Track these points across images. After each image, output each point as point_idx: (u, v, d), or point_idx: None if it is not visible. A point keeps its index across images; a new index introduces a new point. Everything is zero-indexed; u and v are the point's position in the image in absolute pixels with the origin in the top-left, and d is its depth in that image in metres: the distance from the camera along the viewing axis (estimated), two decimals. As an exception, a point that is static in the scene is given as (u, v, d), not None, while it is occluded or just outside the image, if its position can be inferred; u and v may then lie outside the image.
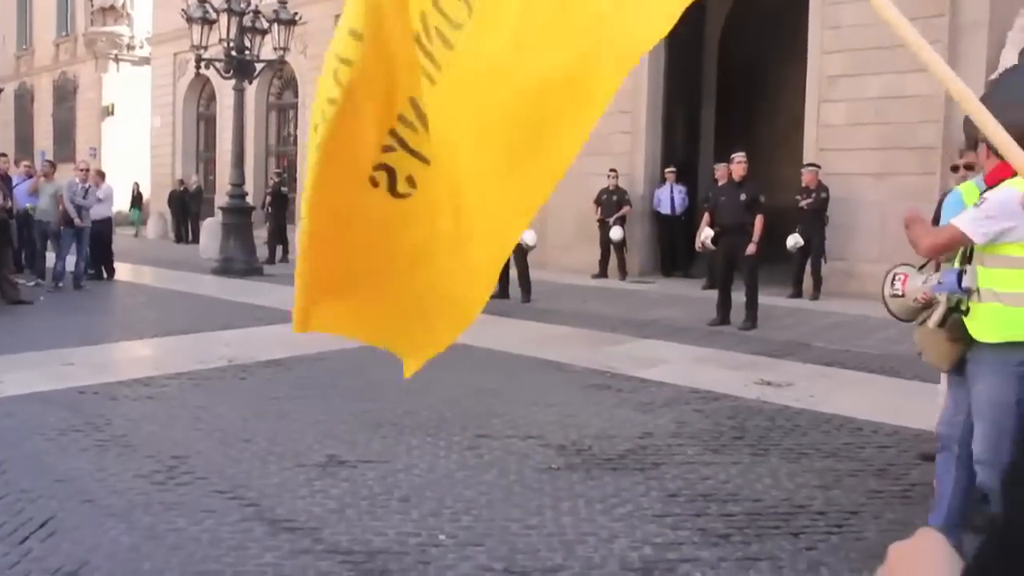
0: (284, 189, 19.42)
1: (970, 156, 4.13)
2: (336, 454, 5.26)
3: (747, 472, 5.04)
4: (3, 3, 38.12)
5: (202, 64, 16.23)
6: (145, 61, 31.48)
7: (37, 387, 6.80)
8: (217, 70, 16.60)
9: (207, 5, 16.11)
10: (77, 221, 13.48)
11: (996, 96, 9.09)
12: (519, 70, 2.13)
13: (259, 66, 16.88)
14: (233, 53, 16.21)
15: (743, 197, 10.10)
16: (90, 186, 13.86)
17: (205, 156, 28.41)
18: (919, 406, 5.96)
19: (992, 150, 3.57)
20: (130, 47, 33.01)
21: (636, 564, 3.80)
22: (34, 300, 12.06)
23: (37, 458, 5.14)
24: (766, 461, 5.25)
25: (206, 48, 16.16)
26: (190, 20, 16.15)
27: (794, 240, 12.57)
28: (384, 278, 2.41)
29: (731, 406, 6.56)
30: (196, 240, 22.58)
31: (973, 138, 3.92)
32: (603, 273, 15.51)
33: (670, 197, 15.80)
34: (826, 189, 12.68)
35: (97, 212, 14.37)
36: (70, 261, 13.54)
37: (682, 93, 17.29)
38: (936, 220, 4.34)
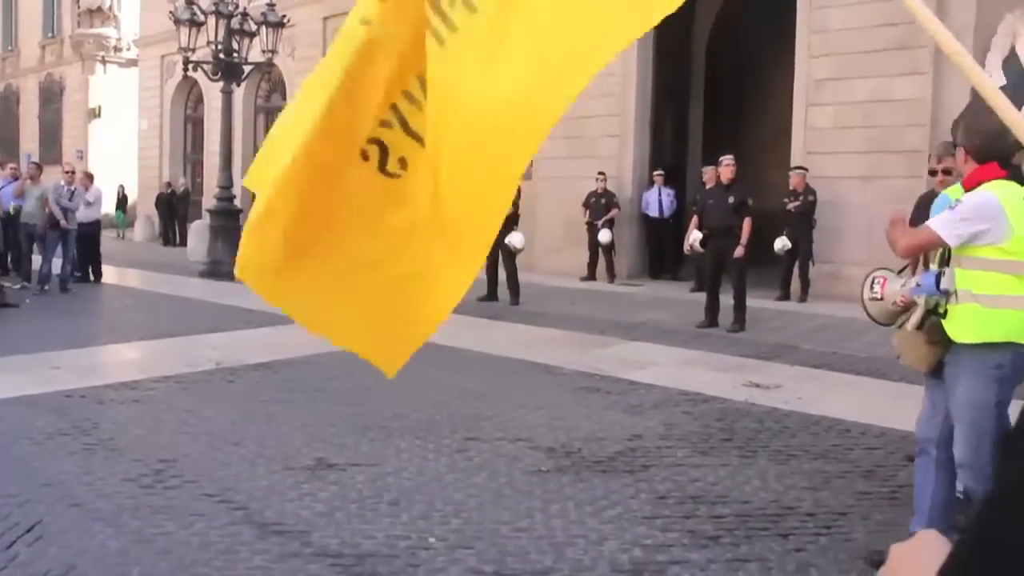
0: (272, 192, 19.30)
1: (948, 160, 4.15)
2: (325, 457, 5.25)
3: (736, 474, 5.05)
4: (-12, 5, 37.96)
5: (190, 66, 16.18)
6: (132, 63, 31.36)
7: (24, 391, 6.75)
8: (205, 72, 16.56)
9: (195, 7, 16.08)
10: (63, 223, 13.42)
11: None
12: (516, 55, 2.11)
13: (247, 68, 16.85)
14: (221, 55, 16.17)
15: (731, 200, 10.14)
16: (75, 188, 13.79)
17: (193, 158, 28.30)
18: (906, 408, 5.96)
19: (970, 153, 3.60)
20: (117, 49, 32.88)
21: (626, 566, 3.81)
22: (20, 303, 11.99)
23: (24, 462, 5.10)
24: (755, 463, 5.27)
25: (194, 50, 16.12)
26: (178, 22, 16.11)
27: (782, 243, 12.61)
28: (357, 262, 2.38)
29: (720, 408, 6.57)
30: (183, 243, 22.50)
31: (951, 143, 3.94)
32: (591, 276, 15.53)
33: (658, 200, 15.84)
34: (813, 192, 12.74)
35: (86, 215, 14.33)
36: (56, 264, 13.47)
37: (670, 96, 17.34)
38: (913, 222, 4.36)
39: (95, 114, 32.67)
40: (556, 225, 16.45)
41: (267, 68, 17.87)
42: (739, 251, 10.01)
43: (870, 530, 4.26)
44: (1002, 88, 4.56)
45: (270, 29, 16.53)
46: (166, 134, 28.42)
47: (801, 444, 5.69)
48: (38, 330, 9.93)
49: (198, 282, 15.26)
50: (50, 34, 35.39)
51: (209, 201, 19.14)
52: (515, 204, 12.32)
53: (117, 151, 30.68)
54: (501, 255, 12.29)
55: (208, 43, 16.16)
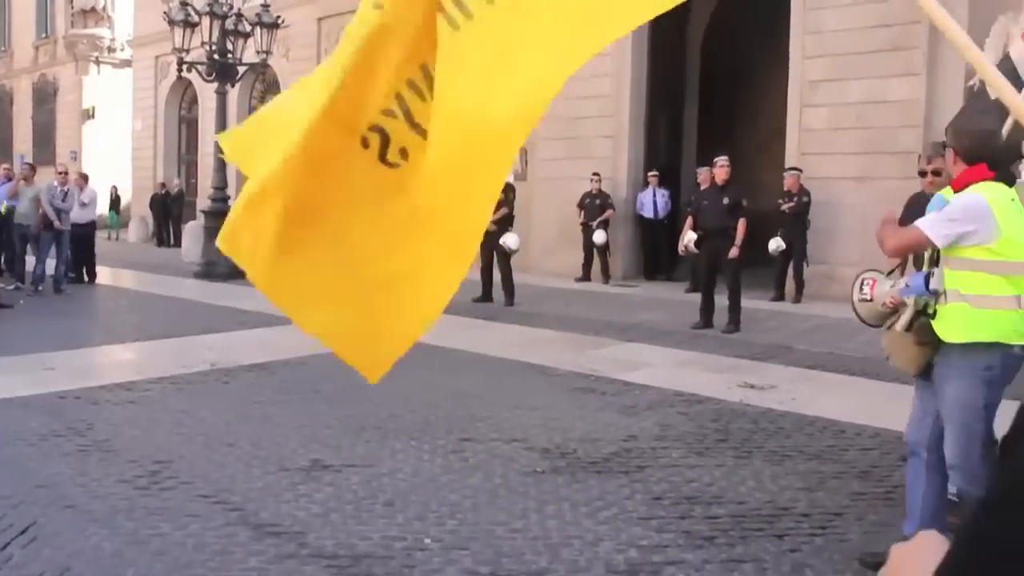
0: (267, 193, 19.29)
1: (938, 162, 4.17)
2: (320, 458, 5.24)
3: (731, 475, 5.06)
4: (-18, 5, 37.85)
5: (184, 67, 16.15)
6: (126, 64, 31.28)
7: (17, 392, 6.74)
8: (199, 73, 16.53)
9: (189, 8, 16.05)
10: (56, 224, 13.39)
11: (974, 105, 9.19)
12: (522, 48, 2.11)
13: (241, 69, 16.83)
14: (215, 56, 16.15)
15: (726, 201, 10.15)
16: (69, 189, 13.77)
17: (187, 159, 28.25)
18: (901, 408, 5.95)
19: (959, 155, 3.61)
20: (111, 49, 32.80)
21: (621, 567, 3.81)
22: (14, 304, 11.96)
23: (18, 463, 5.09)
24: (750, 463, 5.28)
25: (188, 51, 16.09)
26: (172, 23, 16.08)
27: (776, 244, 12.63)
28: (350, 256, 2.37)
29: (715, 409, 6.58)
30: (178, 244, 22.48)
31: (941, 144, 3.96)
32: (586, 277, 15.54)
33: (653, 201, 15.86)
34: (808, 193, 12.76)
35: (81, 216, 14.33)
36: (50, 264, 13.44)
37: (665, 97, 17.36)
38: (903, 223, 4.37)
39: (89, 115, 32.59)
40: (551, 226, 16.45)
41: (261, 69, 17.86)
42: (734, 252, 10.03)
43: (865, 531, 4.27)
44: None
45: (264, 30, 16.50)
46: (160, 135, 28.36)
47: (796, 445, 5.70)
48: (32, 331, 9.91)
49: (193, 283, 15.24)
50: (44, 34, 35.28)
51: (203, 202, 19.12)
52: (510, 205, 12.35)
53: (111, 152, 30.60)
54: (496, 256, 12.30)
55: (202, 44, 16.14)
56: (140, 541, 3.98)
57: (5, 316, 11.19)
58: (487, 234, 12.01)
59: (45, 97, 34.60)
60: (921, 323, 3.67)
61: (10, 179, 14.75)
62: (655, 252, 16.29)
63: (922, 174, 4.49)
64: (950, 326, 3.56)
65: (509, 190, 12.58)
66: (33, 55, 35.73)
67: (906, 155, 12.23)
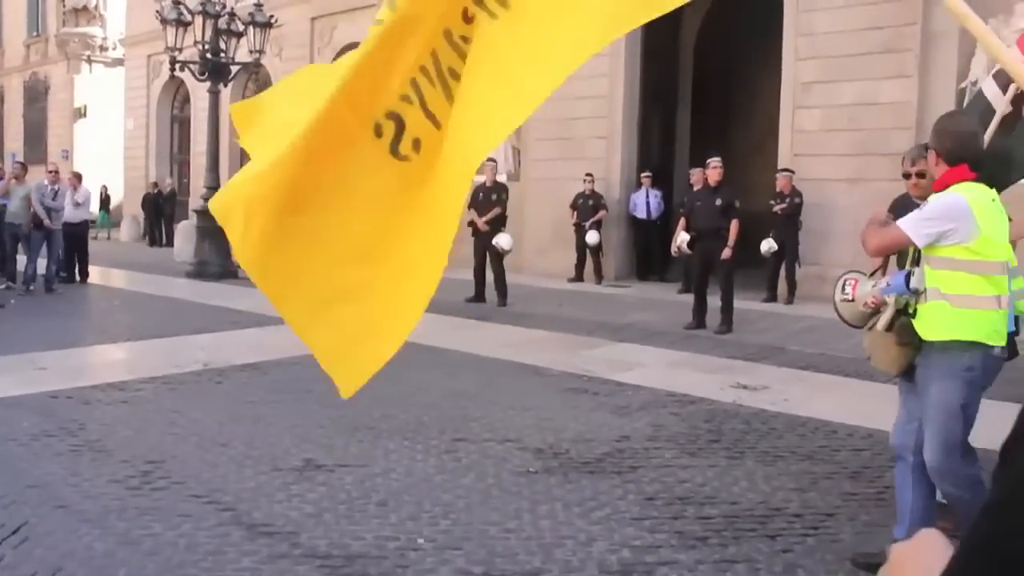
0: (259, 192, 19.27)
1: (921, 164, 4.19)
2: (313, 458, 5.24)
3: (724, 475, 5.07)
4: (-27, 4, 37.70)
5: (177, 66, 16.11)
6: (118, 62, 31.21)
7: (8, 391, 6.71)
8: (192, 72, 16.50)
9: (182, 7, 16.01)
10: (47, 223, 13.35)
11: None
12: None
13: (234, 69, 16.79)
14: (208, 55, 16.11)
15: (719, 202, 10.18)
16: (59, 188, 13.73)
17: (179, 159, 28.20)
18: (893, 410, 5.96)
19: (941, 156, 3.62)
20: (103, 48, 32.73)
21: (614, 567, 3.82)
22: (5, 303, 11.92)
23: (9, 463, 5.07)
24: (742, 464, 5.29)
25: (180, 50, 16.05)
26: (164, 22, 16.04)
27: (768, 245, 12.66)
28: (348, 251, 2.37)
29: (707, 409, 6.59)
30: (170, 243, 22.41)
31: (924, 146, 3.98)
32: (579, 277, 15.55)
33: (646, 202, 15.87)
34: (800, 194, 12.79)
35: (75, 215, 14.33)
36: (41, 264, 13.40)
37: (658, 98, 17.39)
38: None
39: (81, 114, 32.51)
40: (544, 226, 16.46)
41: (254, 68, 17.79)
42: (726, 253, 10.06)
43: (857, 531, 4.28)
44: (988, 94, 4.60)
45: (257, 29, 16.48)
46: (152, 134, 28.30)
47: (788, 445, 5.71)
48: (23, 331, 9.87)
49: (185, 283, 15.21)
50: (35, 33, 35.19)
51: (196, 201, 19.07)
52: (503, 205, 12.35)
53: (103, 151, 30.52)
54: (489, 256, 12.30)
55: (195, 43, 16.10)
56: (132, 541, 3.98)
57: (-4, 315, 11.15)
58: (480, 234, 12.17)
59: (36, 96, 34.49)
60: (902, 323, 3.68)
61: (1, 178, 14.70)
62: (648, 253, 16.31)
63: (906, 176, 4.51)
64: (930, 324, 3.58)
65: (502, 190, 12.59)
66: (24, 53, 35.62)
67: (898, 157, 12.09)
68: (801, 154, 13.50)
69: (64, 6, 32.74)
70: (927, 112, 11.89)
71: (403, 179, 2.27)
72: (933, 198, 3.63)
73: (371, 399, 6.35)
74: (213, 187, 16.48)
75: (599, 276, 15.45)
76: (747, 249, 11.27)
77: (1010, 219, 3.72)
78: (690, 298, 10.94)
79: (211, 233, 16.14)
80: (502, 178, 14.07)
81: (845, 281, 4.12)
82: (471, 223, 12.17)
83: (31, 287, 13.24)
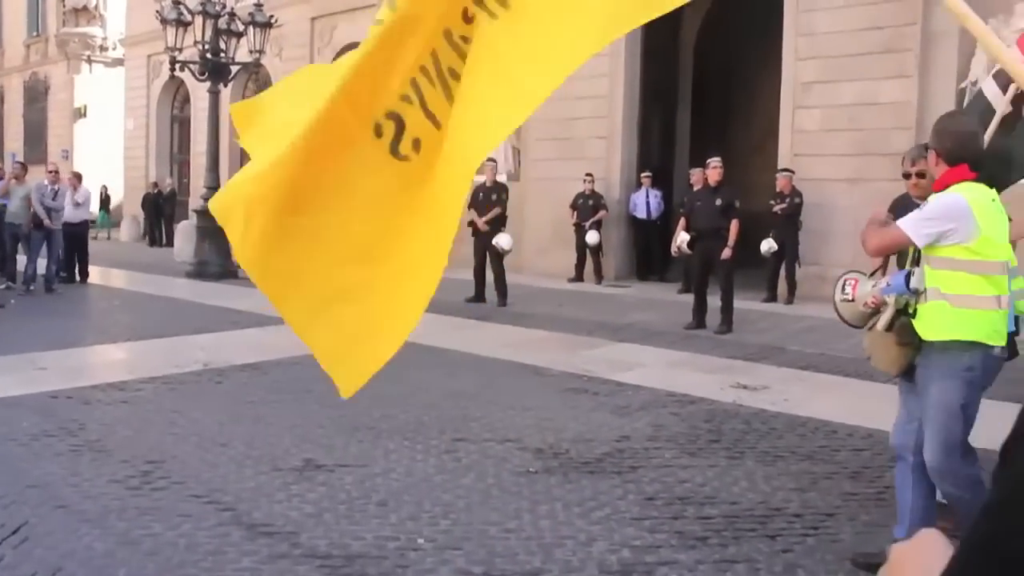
0: (259, 192, 19.30)
1: (921, 164, 4.19)
2: (313, 458, 5.24)
3: (724, 475, 5.07)
4: (-28, 4, 37.70)
5: (177, 66, 16.11)
6: (118, 62, 31.21)
7: (9, 391, 6.71)
8: (192, 72, 16.49)
9: (182, 7, 16.00)
10: (47, 222, 13.36)
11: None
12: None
13: (234, 69, 16.79)
14: (208, 55, 16.11)
15: (719, 202, 10.18)
16: (59, 188, 13.73)
17: (179, 159, 28.21)
18: (893, 410, 5.97)
19: (941, 156, 3.63)
20: (103, 48, 32.73)
21: (614, 567, 3.82)
22: (5, 303, 11.92)
23: (9, 463, 5.07)
24: (742, 464, 5.29)
25: (180, 50, 16.05)
26: (164, 22, 16.04)
27: (768, 245, 12.66)
28: (348, 252, 2.36)
29: (707, 409, 6.59)
30: (170, 243, 22.42)
31: (924, 146, 3.98)
32: (579, 277, 15.55)
33: (646, 202, 15.87)
34: (800, 194, 12.79)
35: (75, 215, 14.35)
36: (41, 264, 13.40)
37: (658, 98, 17.39)
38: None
39: (80, 113, 32.51)
40: (544, 226, 16.46)
41: (254, 68, 17.80)
42: (726, 253, 10.06)
43: (857, 531, 4.28)
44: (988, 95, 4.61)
45: (257, 29, 16.48)
46: (152, 134, 28.30)
47: (788, 445, 5.71)
48: (23, 331, 9.87)
49: (185, 283, 15.21)
50: (35, 33, 35.19)
51: (196, 201, 19.08)
52: (503, 205, 12.35)
53: (103, 151, 30.52)
54: (489, 256, 12.30)
55: (195, 43, 16.10)
56: (132, 541, 3.98)
57: (-4, 315, 11.15)
58: (480, 234, 12.17)
59: (36, 96, 34.50)
60: (902, 323, 3.68)
61: (1, 178, 14.70)
62: (648, 253, 16.31)
63: (906, 176, 4.51)
64: (929, 324, 3.58)
65: (502, 190, 12.59)
66: (24, 53, 35.62)
67: (898, 157, 12.08)
68: (801, 154, 13.50)
69: (64, 6, 32.75)
70: (927, 112, 11.88)
71: (403, 179, 2.27)
72: (933, 198, 3.63)
73: (371, 399, 6.35)
74: (213, 187, 16.48)
75: (599, 276, 15.45)
76: (747, 249, 11.27)
77: (1010, 219, 3.72)
78: (690, 298, 10.93)
79: (211, 233, 16.14)
80: (502, 178, 14.07)
81: (845, 281, 4.12)
82: (471, 223, 12.17)
83: (31, 287, 13.25)
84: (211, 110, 16.73)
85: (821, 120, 13.38)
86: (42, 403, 6.44)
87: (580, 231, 15.38)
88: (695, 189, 11.57)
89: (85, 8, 32.38)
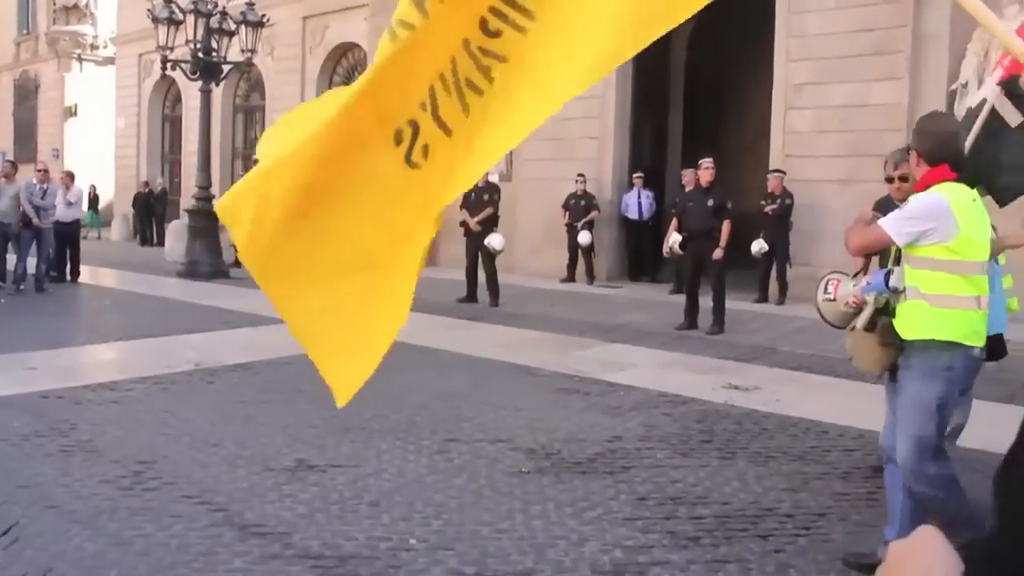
0: (251, 192, 19.28)
1: (904, 167, 4.21)
2: (305, 458, 5.23)
3: (715, 475, 5.08)
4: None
5: (168, 65, 16.06)
6: (109, 61, 31.11)
7: (-1, 391, 6.69)
8: (183, 71, 16.45)
9: (173, 5, 15.96)
10: (36, 221, 13.31)
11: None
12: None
13: (226, 68, 16.75)
14: (200, 54, 16.07)
15: (711, 203, 10.20)
16: (47, 187, 13.68)
17: (170, 158, 28.14)
18: (883, 410, 6.03)
19: (922, 156, 3.65)
20: (94, 47, 32.61)
21: (607, 567, 3.82)
22: (-5, 303, 11.87)
23: (-1, 463, 5.06)
24: (734, 464, 5.30)
25: (172, 49, 16.01)
26: (156, 20, 15.99)
27: (758, 245, 12.70)
28: (349, 257, 2.37)
29: (699, 410, 6.61)
30: (161, 243, 22.36)
31: (906, 149, 4.01)
32: (571, 277, 15.56)
33: (638, 202, 15.89)
34: (791, 195, 12.82)
35: (68, 215, 14.32)
36: (31, 263, 13.35)
37: (650, 98, 17.41)
38: None
39: (71, 112, 32.38)
40: (536, 227, 16.46)
41: (246, 68, 17.76)
42: (718, 253, 10.08)
43: (848, 531, 4.30)
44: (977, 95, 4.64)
45: (249, 28, 16.43)
46: (143, 133, 28.23)
47: (780, 446, 5.73)
48: (13, 330, 9.82)
49: (176, 282, 15.17)
50: (25, 31, 35.03)
51: (187, 201, 19.01)
52: (495, 205, 12.35)
53: (93, 150, 30.42)
54: (481, 256, 12.29)
55: (187, 42, 16.06)
56: (123, 542, 3.96)
57: (-14, 315, 11.10)
58: (472, 235, 12.17)
59: (27, 94, 34.35)
60: (884, 323, 3.70)
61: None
62: (640, 253, 16.32)
63: (889, 180, 4.54)
64: (908, 324, 3.60)
65: (494, 190, 12.59)
66: (14, 51, 35.46)
67: (889, 158, 12.29)
68: (792, 155, 13.53)
69: (55, 4, 32.63)
70: (918, 114, 11.84)
71: (411, 186, 2.27)
72: (914, 198, 3.65)
73: (363, 399, 6.31)
74: (204, 186, 16.45)
75: (591, 276, 15.46)
76: (738, 250, 11.30)
77: None
78: (682, 299, 10.96)
79: (202, 233, 16.11)
80: (494, 178, 14.05)
81: (827, 281, 4.15)
82: (463, 223, 12.17)
83: (21, 286, 13.19)
84: (203, 109, 16.66)
85: (813, 121, 13.42)
86: (33, 403, 6.42)
87: (572, 231, 15.39)
88: (687, 190, 11.58)
89: (76, 6, 32.26)
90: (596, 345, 9.41)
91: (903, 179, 4.26)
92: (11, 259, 13.51)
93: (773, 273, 12.98)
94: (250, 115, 25.53)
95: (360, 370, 2.47)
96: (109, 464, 5.06)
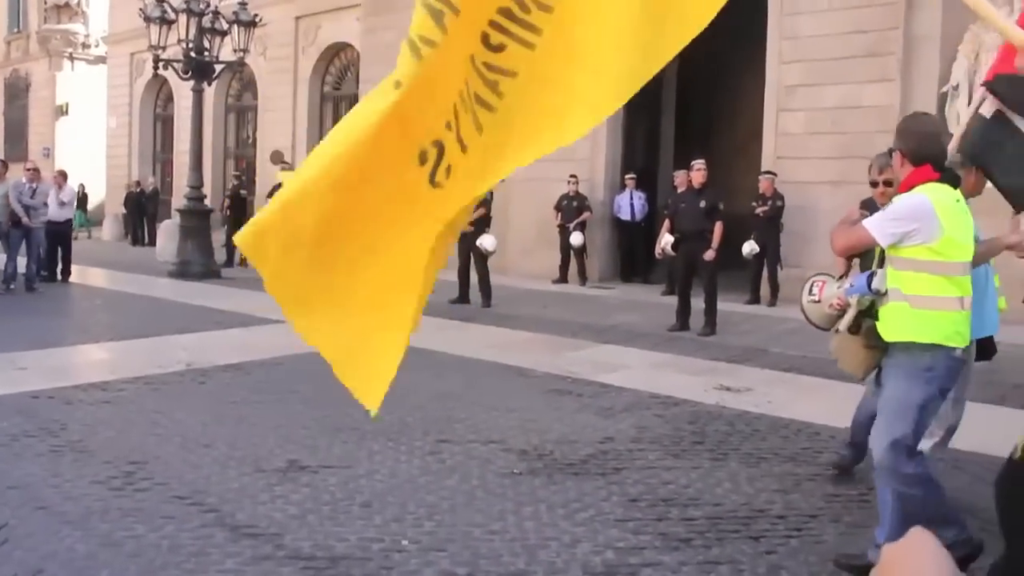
0: (243, 192, 19.30)
1: (888, 172, 4.22)
2: (297, 459, 5.22)
3: (707, 477, 5.09)
4: (-47, -1, 37.33)
5: (160, 65, 16.02)
6: (101, 60, 31.02)
7: (-11, 391, 6.66)
8: (175, 71, 16.40)
9: (165, 5, 15.92)
10: (25, 220, 13.25)
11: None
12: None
13: (218, 68, 16.70)
14: (192, 54, 16.03)
15: (703, 204, 10.21)
16: (37, 186, 13.63)
17: (162, 157, 28.07)
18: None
19: (906, 156, 3.66)
20: (85, 46, 32.50)
21: (598, 568, 3.82)
22: (-15, 302, 11.82)
23: (-11, 464, 5.03)
24: (726, 466, 5.31)
25: (164, 48, 15.96)
26: (148, 20, 15.94)
27: (749, 247, 12.73)
28: (374, 281, 2.37)
29: (691, 411, 6.62)
30: (152, 242, 22.32)
31: (888, 152, 4.01)
32: (563, 278, 15.56)
33: (630, 203, 15.90)
34: (782, 197, 12.86)
35: (60, 214, 14.29)
36: (21, 263, 13.30)
37: (642, 100, 17.26)
38: None
39: (62, 111, 32.26)
40: (528, 227, 16.47)
41: (238, 67, 17.74)
42: (710, 254, 10.10)
43: (840, 532, 4.31)
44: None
45: (242, 28, 16.41)
46: (135, 133, 28.15)
47: (771, 447, 5.74)
48: (3, 330, 9.78)
49: (167, 282, 15.12)
50: (16, 29, 34.89)
51: (179, 201, 18.97)
52: (487, 206, 12.35)
53: (85, 149, 30.32)
54: (473, 257, 12.29)
55: (179, 41, 16.01)
56: (114, 543, 3.95)
57: (-24, 314, 11.05)
58: (464, 235, 12.15)
59: (17, 93, 34.22)
60: (869, 325, 3.71)
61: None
62: (632, 254, 16.34)
63: (873, 185, 4.54)
64: (890, 326, 3.61)
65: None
66: (5, 50, 35.32)
67: (880, 160, 12.32)
68: (784, 157, 13.57)
69: (46, 3, 32.51)
70: (909, 116, 11.96)
71: (433, 206, 2.27)
72: (898, 199, 3.66)
73: (354, 400, 6.32)
74: (196, 186, 16.42)
75: (583, 278, 15.47)
76: (730, 251, 11.32)
77: None
78: (674, 300, 10.97)
79: (194, 232, 16.08)
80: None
81: (813, 283, 4.17)
82: (456, 224, 12.14)
83: (11, 286, 13.14)
84: (195, 109, 16.62)
85: (805, 123, 13.45)
86: (23, 403, 6.39)
87: (564, 232, 15.40)
88: (679, 191, 11.60)
89: (67, 5, 32.16)
90: (588, 346, 9.42)
91: (888, 184, 4.27)
92: (1, 258, 13.46)
93: (764, 275, 13.00)
94: (242, 115, 25.49)
95: (386, 374, 2.49)
96: (100, 465, 5.04)
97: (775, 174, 13.09)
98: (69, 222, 15.11)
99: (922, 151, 3.62)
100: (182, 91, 21.82)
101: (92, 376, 7.55)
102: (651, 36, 2.20)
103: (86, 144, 30.35)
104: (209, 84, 16.97)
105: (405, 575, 3.72)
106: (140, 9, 16.53)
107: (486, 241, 12.09)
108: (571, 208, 15.43)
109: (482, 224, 12.24)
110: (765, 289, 12.98)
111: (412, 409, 6.42)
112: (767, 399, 7.01)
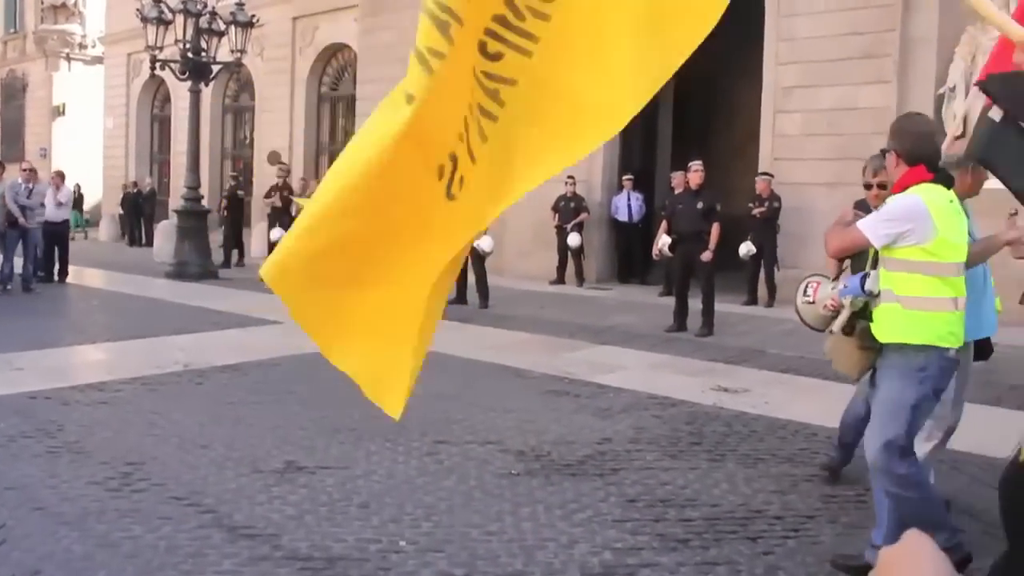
0: (240, 192, 19.29)
1: (882, 174, 4.23)
2: (294, 460, 5.22)
3: (705, 477, 5.09)
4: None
5: (157, 65, 16.00)
6: (98, 60, 30.98)
7: (-14, 392, 6.65)
8: (173, 71, 16.38)
9: (162, 5, 15.90)
10: (22, 221, 13.24)
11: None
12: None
13: (215, 68, 16.69)
14: (189, 55, 16.01)
15: (700, 205, 10.22)
16: (33, 186, 13.61)
17: (159, 158, 28.04)
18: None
19: (900, 156, 3.66)
20: (82, 46, 32.46)
21: (596, 569, 3.83)
22: (-19, 303, 11.80)
23: (-14, 465, 5.03)
24: (723, 466, 5.31)
25: (161, 49, 15.94)
26: (145, 20, 15.91)
27: (746, 248, 12.74)
28: (396, 297, 2.37)
29: (688, 412, 6.62)
30: (150, 243, 22.29)
31: (881, 153, 4.02)
32: (560, 279, 15.57)
33: (627, 204, 15.91)
34: (778, 198, 12.88)
35: (57, 215, 14.30)
36: (18, 263, 13.28)
37: (640, 101, 17.39)
38: None
39: (59, 112, 32.22)
40: (525, 229, 16.45)
41: (236, 68, 17.71)
42: (707, 255, 10.11)
43: (837, 533, 4.32)
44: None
45: (239, 28, 16.38)
46: (132, 133, 28.12)
47: (769, 448, 5.74)
48: (0, 330, 9.76)
49: (164, 283, 15.11)
50: (12, 29, 34.84)
51: (176, 201, 18.95)
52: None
53: (81, 150, 30.27)
54: (470, 258, 12.28)
55: (176, 42, 16.00)
56: (111, 544, 3.95)
57: (-28, 315, 11.03)
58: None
59: (14, 93, 34.17)
60: (862, 327, 3.72)
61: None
62: (629, 255, 16.35)
63: (867, 187, 4.55)
64: (883, 327, 3.62)
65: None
66: (2, 50, 35.27)
67: (877, 161, 12.34)
68: (781, 158, 13.58)
69: (43, 3, 32.47)
70: (906, 118, 11.98)
71: (449, 218, 2.27)
72: (891, 199, 3.67)
73: (352, 401, 6.30)
74: (193, 187, 16.40)
75: (580, 278, 15.47)
76: (727, 251, 11.32)
77: None
78: (671, 301, 10.98)
79: (191, 233, 16.07)
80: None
81: (807, 284, 4.18)
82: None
83: (8, 286, 13.12)
84: (192, 109, 16.60)
85: (801, 124, 13.47)
86: (20, 404, 6.38)
87: (562, 233, 15.40)
88: (676, 192, 11.62)
89: (64, 5, 32.11)
90: (586, 347, 9.42)
91: (881, 186, 4.27)
92: (-1, 259, 13.46)
93: (761, 276, 13.02)
94: (239, 115, 25.47)
95: (408, 381, 2.50)
96: (97, 465, 5.03)
97: (772, 175, 13.11)
98: (66, 222, 15.13)
99: (916, 151, 3.62)
100: (179, 92, 21.80)
101: (89, 377, 7.55)
102: (653, 46, 2.20)
103: (83, 145, 30.30)
104: (206, 85, 16.95)
105: (403, 576, 3.72)
106: (137, 9, 16.51)
107: (483, 242, 12.09)
108: (568, 209, 15.43)
109: (479, 225, 12.23)
110: (762, 290, 13.00)
111: (409, 409, 6.35)
112: (764, 400, 7.02)
